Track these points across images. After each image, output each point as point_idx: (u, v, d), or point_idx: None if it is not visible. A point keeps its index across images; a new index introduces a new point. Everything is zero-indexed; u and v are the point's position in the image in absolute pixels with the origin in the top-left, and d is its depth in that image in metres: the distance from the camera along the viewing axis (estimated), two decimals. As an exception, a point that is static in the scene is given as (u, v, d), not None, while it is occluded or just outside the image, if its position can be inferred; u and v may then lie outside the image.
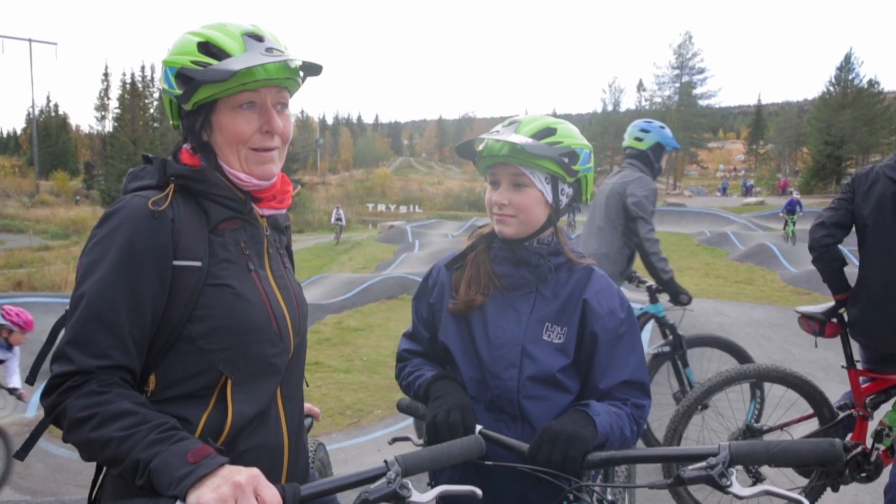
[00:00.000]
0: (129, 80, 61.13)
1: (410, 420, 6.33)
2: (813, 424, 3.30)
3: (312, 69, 1.39)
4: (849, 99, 53.97)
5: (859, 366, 3.27)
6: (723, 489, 1.22)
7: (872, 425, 3.19)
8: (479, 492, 1.21)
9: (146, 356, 1.26)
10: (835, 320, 3.32)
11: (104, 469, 1.34)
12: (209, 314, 1.27)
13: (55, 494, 4.93)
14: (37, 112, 79.60)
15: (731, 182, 67.40)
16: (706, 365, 4.60)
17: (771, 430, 3.34)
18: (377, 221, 45.27)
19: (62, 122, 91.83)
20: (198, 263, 1.28)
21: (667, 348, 4.18)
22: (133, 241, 1.22)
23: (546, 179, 1.61)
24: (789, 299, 11.98)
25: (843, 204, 3.21)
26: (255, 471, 1.08)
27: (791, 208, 21.78)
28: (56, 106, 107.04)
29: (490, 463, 1.48)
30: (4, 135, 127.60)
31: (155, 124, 59.45)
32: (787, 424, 3.40)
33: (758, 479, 1.37)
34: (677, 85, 70.14)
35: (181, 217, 1.29)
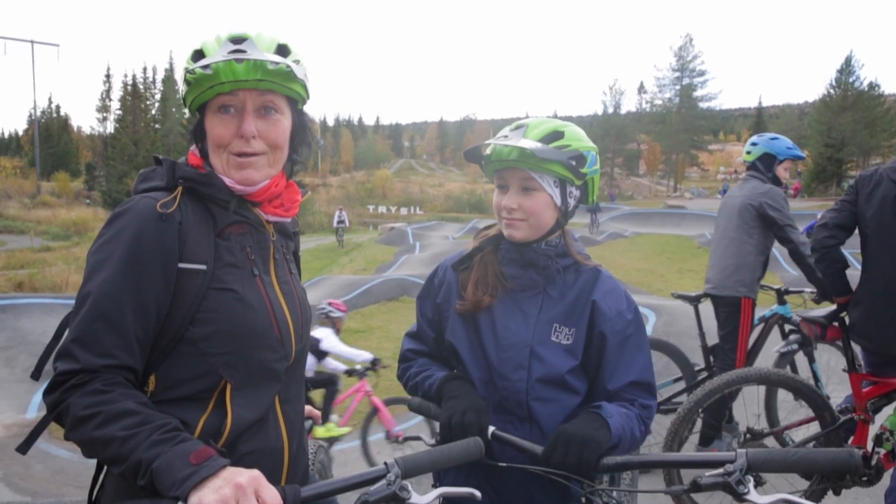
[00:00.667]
0: (130, 82, 61.25)
1: (412, 422, 6.33)
2: (814, 427, 3.30)
3: (280, 74, 1.32)
4: (849, 101, 53.99)
5: (860, 369, 3.27)
6: (739, 497, 1.21)
7: (874, 429, 3.19)
8: (477, 494, 1.21)
9: (148, 357, 1.27)
10: (836, 324, 3.32)
11: (105, 469, 1.34)
12: (212, 318, 1.28)
13: (55, 496, 4.93)
14: (38, 113, 79.53)
15: (732, 184, 67.25)
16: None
17: (772, 433, 3.34)
18: (378, 223, 45.30)
19: (64, 123, 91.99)
20: (203, 267, 1.28)
21: (795, 346, 4.25)
22: (140, 241, 1.23)
23: (555, 183, 1.62)
24: (790, 301, 11.95)
25: (847, 206, 3.21)
26: (257, 472, 1.09)
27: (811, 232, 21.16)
28: (58, 107, 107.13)
29: (504, 465, 1.48)
30: (6, 136, 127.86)
31: (156, 125, 59.57)
32: (788, 427, 3.40)
33: (758, 482, 1.37)
34: (678, 87, 70.25)
35: (188, 220, 1.30)
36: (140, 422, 1.12)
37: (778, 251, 18.07)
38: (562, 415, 1.63)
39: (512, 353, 1.64)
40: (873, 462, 3.06)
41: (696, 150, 72.84)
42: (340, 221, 30.60)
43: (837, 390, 4.43)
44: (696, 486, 1.26)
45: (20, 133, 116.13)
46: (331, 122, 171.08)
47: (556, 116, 1.76)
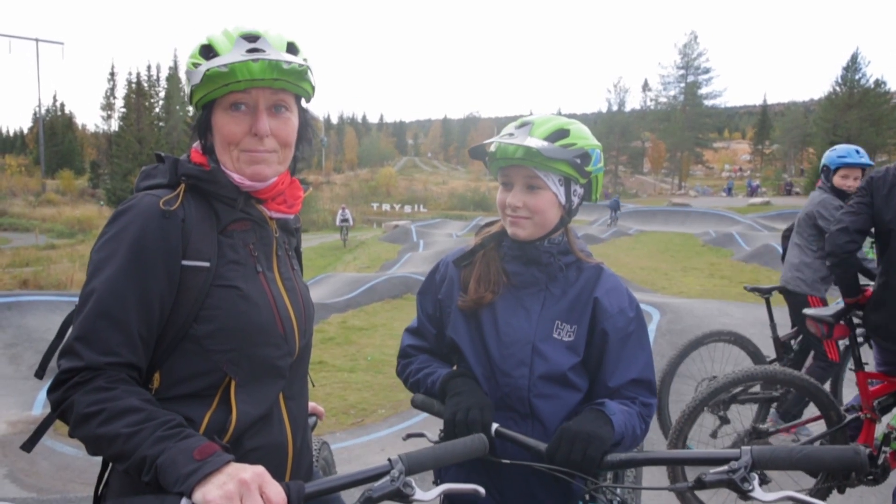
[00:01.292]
0: (134, 80, 61.32)
1: (414, 419, 6.32)
2: (820, 426, 3.28)
3: (293, 73, 1.33)
4: (855, 99, 53.69)
5: (868, 368, 3.25)
6: (744, 494, 1.21)
7: (880, 428, 3.17)
8: (481, 490, 1.21)
9: (151, 354, 1.27)
10: (843, 322, 3.30)
11: (110, 466, 1.34)
12: (215, 315, 1.28)
13: (60, 492, 4.94)
14: (43, 111, 79.82)
15: (737, 182, 67.15)
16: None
17: (777, 431, 3.33)
18: (382, 221, 45.30)
19: (68, 121, 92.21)
20: (206, 264, 1.28)
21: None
22: (143, 239, 1.23)
23: (560, 181, 1.62)
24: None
25: (864, 209, 3.14)
26: (261, 468, 1.09)
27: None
28: (62, 105, 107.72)
29: (507, 461, 1.48)
30: (11, 134, 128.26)
31: (160, 123, 59.64)
32: (794, 426, 3.39)
33: (763, 480, 1.36)
34: (682, 85, 70.09)
35: (191, 217, 1.30)
36: (144, 418, 1.12)
37: (782, 248, 18.01)
38: (564, 411, 1.63)
39: (514, 350, 1.64)
40: (880, 461, 3.05)
41: (701, 148, 72.64)
42: (344, 220, 29.77)
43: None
44: (701, 484, 1.26)
45: (25, 131, 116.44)
46: (335, 120, 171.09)
47: (560, 114, 1.76)
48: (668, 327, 7.64)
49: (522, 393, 1.62)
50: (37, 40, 61.33)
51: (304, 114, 1.46)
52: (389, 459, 1.19)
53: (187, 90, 1.35)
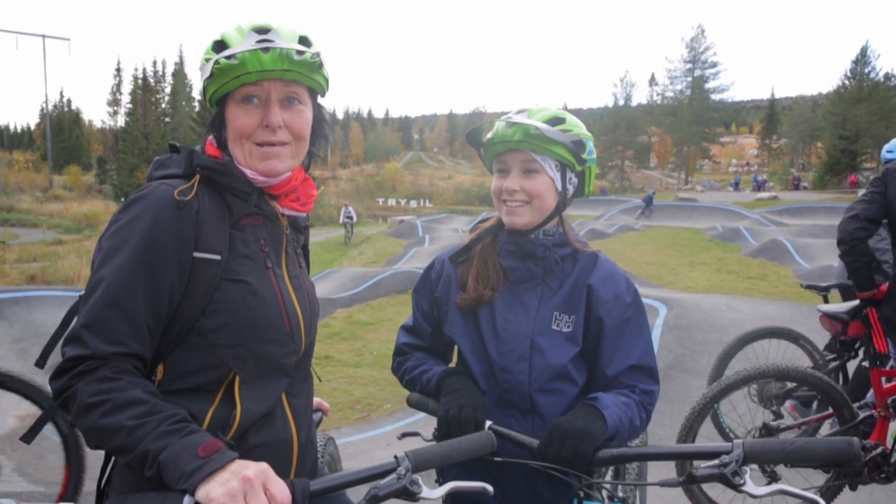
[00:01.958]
0: (140, 76, 61.46)
1: (420, 415, 6.32)
2: (832, 424, 3.25)
3: (304, 64, 1.31)
4: (864, 93, 53.35)
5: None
6: (736, 488, 1.20)
7: (894, 426, 3.14)
8: (490, 488, 1.19)
9: (157, 345, 1.25)
10: (859, 319, 3.26)
11: (112, 461, 1.33)
12: (223, 308, 1.26)
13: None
14: (50, 107, 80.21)
15: (744, 177, 66.80)
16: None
17: (788, 428, 3.29)
18: (387, 216, 45.35)
19: (75, 117, 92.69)
20: (217, 257, 1.27)
21: None
22: (156, 228, 1.21)
23: (556, 167, 1.62)
24: (803, 295, 11.84)
25: (878, 198, 3.13)
26: (265, 465, 1.07)
27: None
28: (69, 101, 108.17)
29: (500, 459, 1.46)
30: (18, 130, 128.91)
31: (166, 119, 59.89)
32: (805, 423, 3.35)
33: (773, 478, 1.34)
34: (689, 79, 69.77)
35: (205, 209, 1.28)
36: (148, 411, 1.10)
37: (790, 243, 17.96)
38: (565, 406, 1.62)
39: (512, 346, 1.62)
40: (893, 459, 3.02)
41: (708, 143, 72.21)
42: (348, 217, 29.03)
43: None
44: (692, 478, 1.24)
45: (32, 127, 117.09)
46: (340, 115, 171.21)
47: (566, 108, 1.75)
48: (675, 322, 7.61)
49: (523, 389, 1.60)
50: (43, 36, 61.57)
51: (318, 109, 1.46)
52: (396, 457, 1.17)
53: (200, 86, 1.35)
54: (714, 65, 69.20)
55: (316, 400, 1.77)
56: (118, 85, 74.12)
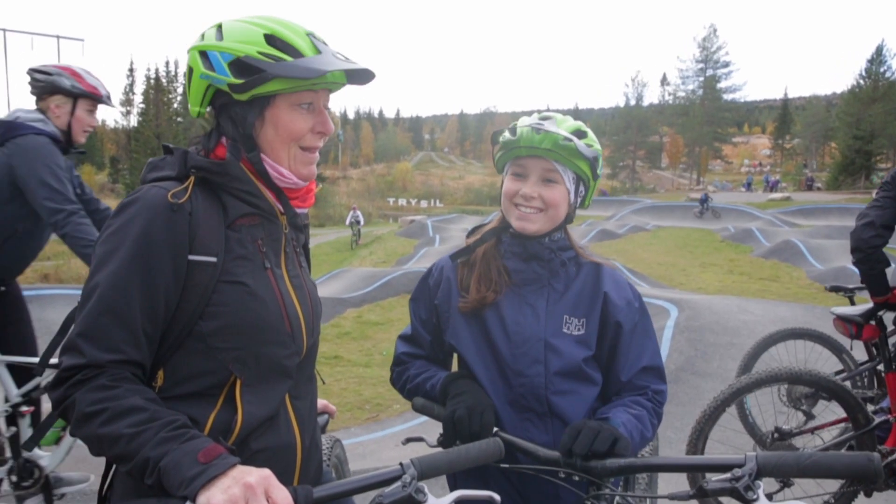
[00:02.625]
0: (153, 76, 61.98)
1: (414, 422, 6.30)
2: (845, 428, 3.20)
3: (365, 77, 1.37)
4: (880, 92, 52.79)
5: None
6: (748, 503, 1.16)
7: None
8: (497, 497, 1.16)
9: (155, 351, 1.23)
10: (873, 323, 3.21)
11: (113, 467, 1.32)
12: (222, 311, 1.24)
13: (78, 485, 4.97)
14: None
15: (756, 177, 66.28)
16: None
17: (801, 432, 3.24)
18: (398, 216, 45.44)
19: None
20: (213, 259, 1.25)
21: None
22: (149, 232, 1.19)
23: (573, 179, 1.64)
24: (816, 297, 11.74)
25: (891, 202, 3.08)
26: (267, 472, 1.05)
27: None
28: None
29: (506, 466, 1.44)
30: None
31: (178, 119, 60.24)
32: (819, 428, 3.31)
33: (786, 483, 1.30)
34: (702, 79, 69.34)
35: (199, 210, 1.26)
36: (147, 419, 1.09)
37: (803, 244, 17.81)
38: (583, 406, 1.61)
39: (526, 348, 1.61)
40: (908, 465, 2.96)
41: (720, 143, 71.74)
42: (355, 220, 28.89)
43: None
44: (702, 492, 1.20)
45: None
46: (351, 115, 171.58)
47: (577, 108, 1.77)
48: (686, 324, 7.55)
49: (539, 391, 1.59)
50: (58, 37, 61.98)
51: None
52: (401, 464, 1.14)
53: (239, 78, 1.25)
54: (726, 64, 68.78)
55: (322, 402, 1.75)
56: (131, 85, 74.87)
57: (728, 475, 1.19)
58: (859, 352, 4.20)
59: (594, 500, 1.38)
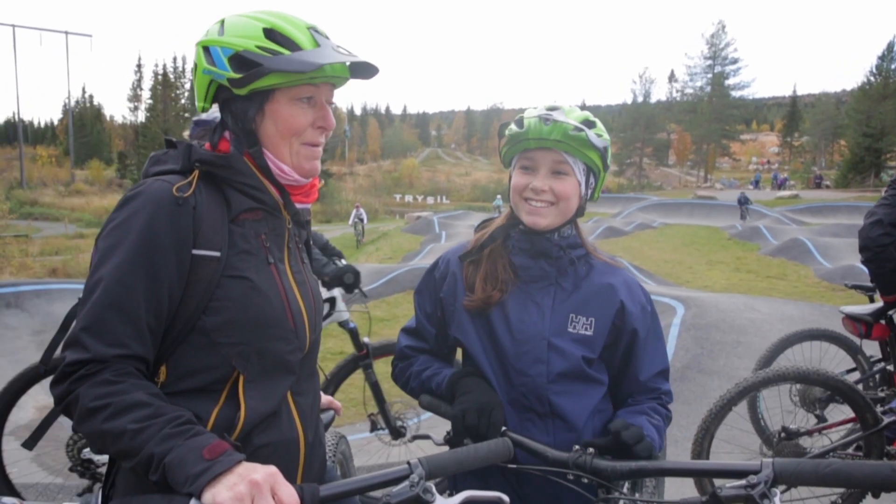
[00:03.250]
0: (161, 72, 62.14)
1: (420, 418, 6.29)
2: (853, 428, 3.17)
3: (368, 71, 1.37)
4: (890, 89, 52.28)
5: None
6: None
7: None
8: (505, 498, 1.15)
9: (159, 346, 1.23)
10: (883, 322, 3.18)
11: (116, 464, 1.31)
12: (225, 306, 1.24)
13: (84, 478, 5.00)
14: (72, 103, 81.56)
15: (764, 175, 65.90)
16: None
17: (809, 432, 3.22)
18: (404, 212, 45.41)
19: (97, 112, 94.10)
20: (217, 254, 1.24)
21: None
22: (153, 226, 1.19)
23: (584, 170, 1.60)
24: (824, 295, 11.67)
25: None
26: (273, 469, 1.05)
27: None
28: (91, 97, 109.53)
29: (514, 466, 1.42)
30: (42, 125, 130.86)
31: (186, 114, 60.40)
32: (826, 427, 3.28)
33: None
34: (710, 75, 68.96)
35: (203, 205, 1.25)
36: (152, 414, 1.08)
37: (811, 242, 17.71)
38: (587, 407, 1.58)
39: (529, 347, 1.58)
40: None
41: (728, 140, 71.26)
42: (359, 218, 28.70)
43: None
44: (716, 499, 1.17)
45: (55, 122, 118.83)
46: (358, 111, 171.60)
47: (584, 105, 1.73)
48: (693, 322, 7.52)
49: (541, 391, 1.57)
50: (66, 33, 62.39)
51: None
52: (409, 463, 1.13)
53: (238, 73, 1.25)
54: (735, 61, 68.33)
55: (327, 398, 1.75)
56: (139, 81, 75.14)
57: (743, 482, 1.16)
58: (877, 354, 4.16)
59: (604, 503, 1.36)
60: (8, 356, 7.47)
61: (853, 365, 4.17)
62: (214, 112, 1.39)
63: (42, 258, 19.12)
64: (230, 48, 1.26)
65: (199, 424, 1.13)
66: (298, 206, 1.40)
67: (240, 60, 1.25)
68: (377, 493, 1.12)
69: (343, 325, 4.10)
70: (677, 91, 76.23)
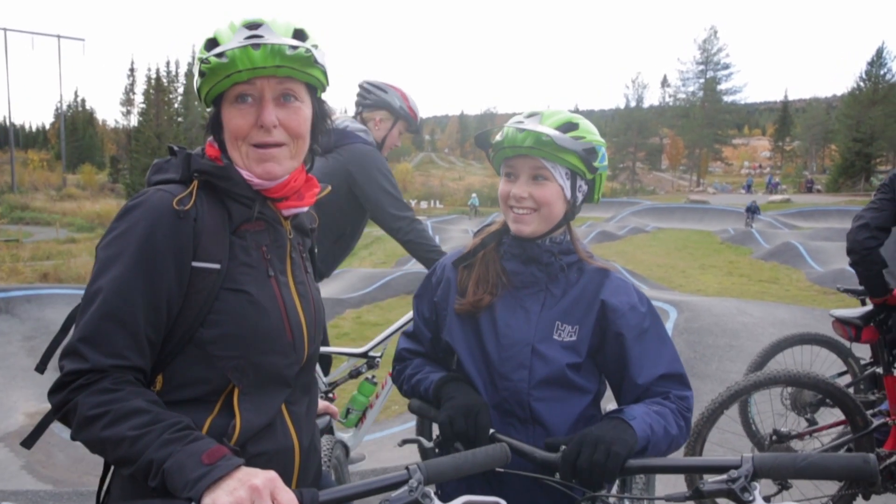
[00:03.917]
0: (154, 76, 61.92)
1: (410, 423, 6.28)
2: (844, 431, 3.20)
3: (294, 59, 1.25)
4: (880, 95, 52.81)
5: None
6: None
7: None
8: (503, 503, 1.16)
9: (156, 357, 1.23)
10: (873, 325, 3.21)
11: (111, 471, 1.30)
12: (222, 319, 1.23)
13: (75, 485, 4.97)
14: (64, 107, 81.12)
15: (757, 179, 66.25)
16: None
17: (799, 435, 3.25)
18: (397, 217, 45.13)
19: (89, 116, 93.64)
20: (216, 266, 1.23)
21: None
22: (153, 237, 1.18)
23: (566, 174, 1.58)
24: (815, 299, 11.75)
25: (887, 204, 3.09)
26: (272, 474, 1.05)
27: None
28: (83, 101, 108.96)
29: (502, 470, 1.42)
30: (33, 129, 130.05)
31: (179, 119, 60.23)
32: (817, 430, 3.31)
33: (784, 486, 1.31)
34: (702, 80, 69.35)
35: (203, 216, 1.24)
36: (150, 420, 1.08)
37: (803, 246, 17.81)
38: (569, 415, 1.57)
39: (513, 352, 1.58)
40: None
41: (720, 145, 71.70)
42: None
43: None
44: (699, 493, 1.20)
45: (47, 126, 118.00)
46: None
47: (577, 110, 1.73)
48: (686, 325, 7.55)
49: (522, 397, 1.56)
50: (58, 37, 62.11)
51: (319, 105, 1.40)
52: (408, 468, 1.13)
53: (196, 86, 1.31)
54: (727, 66, 68.76)
55: (324, 404, 1.75)
56: (132, 85, 74.92)
57: (724, 476, 1.18)
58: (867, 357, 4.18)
59: (590, 501, 1.37)
60: (-1, 362, 7.42)
61: (844, 368, 4.20)
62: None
63: (33, 263, 19.00)
64: (198, 62, 1.29)
65: (198, 430, 1.13)
66: (288, 211, 1.37)
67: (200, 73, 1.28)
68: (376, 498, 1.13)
69: None
70: (670, 96, 76.67)
